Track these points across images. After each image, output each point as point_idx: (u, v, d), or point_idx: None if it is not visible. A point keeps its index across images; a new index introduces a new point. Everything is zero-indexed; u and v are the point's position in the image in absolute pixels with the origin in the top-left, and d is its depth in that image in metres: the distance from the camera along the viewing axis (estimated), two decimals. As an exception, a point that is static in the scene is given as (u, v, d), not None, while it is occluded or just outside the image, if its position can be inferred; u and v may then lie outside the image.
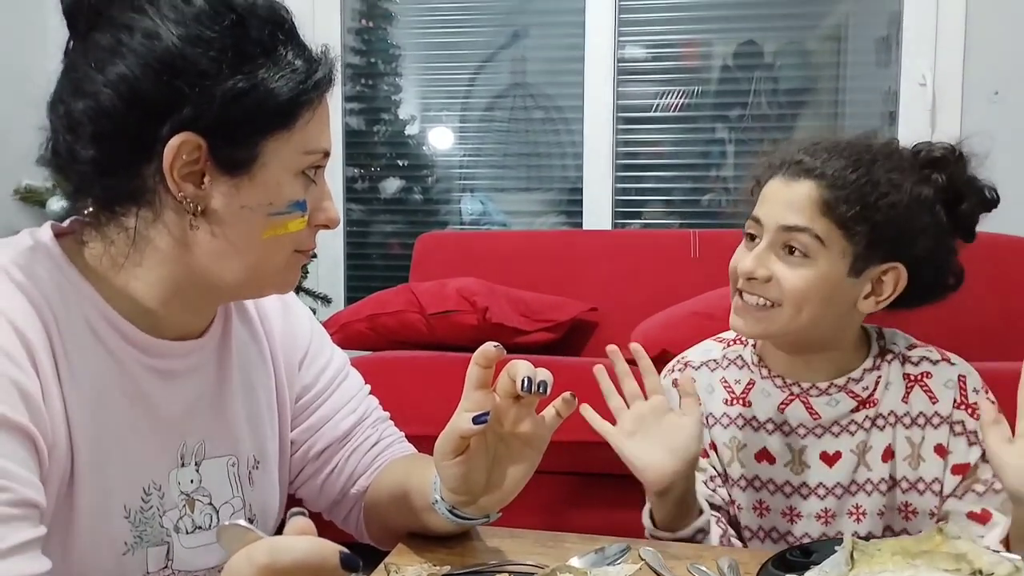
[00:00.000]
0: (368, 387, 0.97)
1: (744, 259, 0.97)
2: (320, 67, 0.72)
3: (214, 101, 0.66)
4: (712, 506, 1.04)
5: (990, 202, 1.00)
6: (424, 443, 0.92)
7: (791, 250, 0.95)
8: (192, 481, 0.77)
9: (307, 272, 2.49)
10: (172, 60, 0.66)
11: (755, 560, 0.77)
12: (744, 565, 0.78)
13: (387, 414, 0.97)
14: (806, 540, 1.01)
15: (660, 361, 1.18)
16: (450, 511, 0.78)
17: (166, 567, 0.74)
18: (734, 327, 1.01)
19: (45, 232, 0.72)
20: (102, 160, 0.68)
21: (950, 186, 0.97)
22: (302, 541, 0.52)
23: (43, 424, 0.64)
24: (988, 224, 1.03)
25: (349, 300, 2.77)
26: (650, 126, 2.70)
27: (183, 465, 0.76)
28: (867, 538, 0.73)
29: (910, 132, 2.38)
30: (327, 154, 0.74)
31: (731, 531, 1.04)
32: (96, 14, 0.68)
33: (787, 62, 2.66)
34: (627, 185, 2.71)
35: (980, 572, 0.62)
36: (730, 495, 1.05)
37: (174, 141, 0.66)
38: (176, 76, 0.66)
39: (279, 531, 0.69)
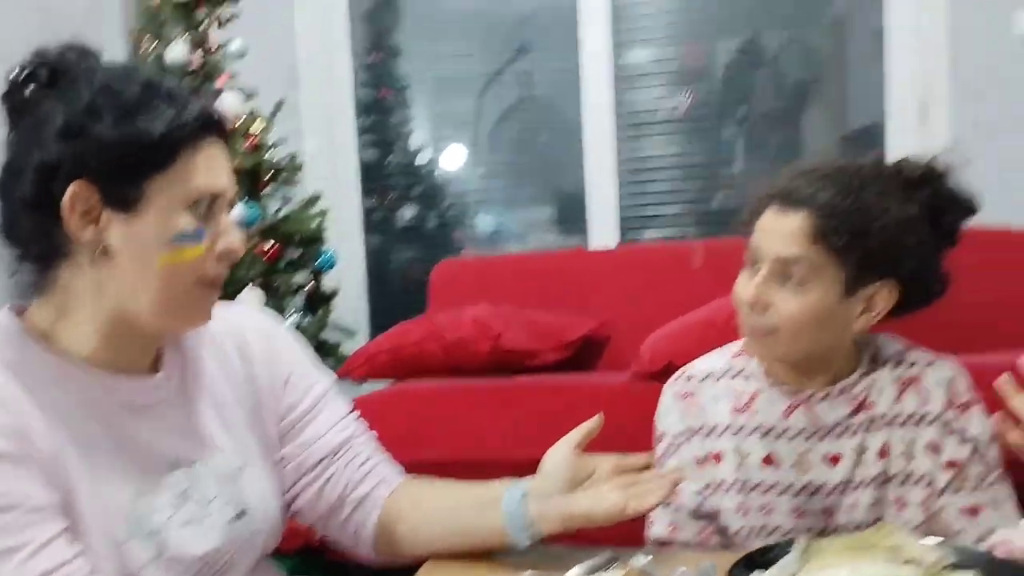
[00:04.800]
0: (357, 412, 1.06)
1: (746, 288, 1.05)
2: (189, 106, 0.81)
3: (95, 148, 0.78)
4: (699, 515, 1.12)
5: (971, 210, 1.06)
6: (449, 469, 1.00)
7: (788, 277, 1.01)
8: (181, 484, 0.87)
9: (331, 308, 2.59)
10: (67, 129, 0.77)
11: (733, 562, 0.84)
12: (724, 568, 0.85)
13: (375, 433, 1.05)
14: (805, 536, 1.08)
15: (666, 374, 1.23)
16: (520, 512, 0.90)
17: (159, 555, 0.83)
18: (748, 350, 1.11)
19: (4, 314, 0.84)
20: (16, 224, 0.81)
21: (933, 201, 1.04)
22: None
23: (32, 451, 0.75)
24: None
25: (376, 329, 2.87)
26: (655, 134, 2.76)
27: (173, 471, 0.86)
28: (839, 532, 0.80)
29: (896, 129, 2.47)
30: (218, 195, 0.82)
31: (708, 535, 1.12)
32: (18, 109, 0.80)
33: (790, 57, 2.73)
34: (635, 191, 2.76)
35: (912, 561, 0.71)
36: (735, 501, 1.11)
37: (68, 191, 0.77)
38: (67, 138, 0.77)
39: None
